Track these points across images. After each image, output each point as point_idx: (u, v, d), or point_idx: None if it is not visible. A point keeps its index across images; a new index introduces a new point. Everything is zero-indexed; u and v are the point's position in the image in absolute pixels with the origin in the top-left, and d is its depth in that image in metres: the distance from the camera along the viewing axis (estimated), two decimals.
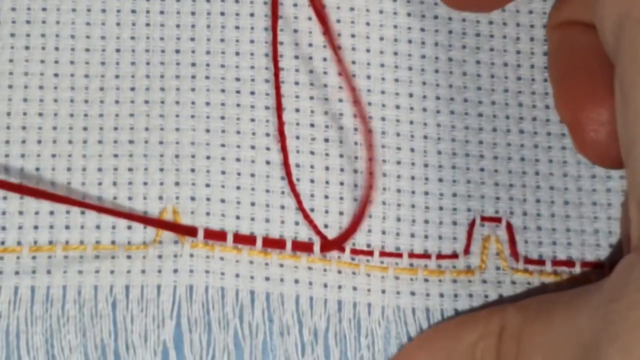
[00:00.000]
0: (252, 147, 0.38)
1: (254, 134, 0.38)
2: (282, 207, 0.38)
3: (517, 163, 0.39)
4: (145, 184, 0.38)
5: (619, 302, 0.27)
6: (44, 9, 0.39)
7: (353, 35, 0.39)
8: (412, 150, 0.39)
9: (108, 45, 0.39)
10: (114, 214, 0.37)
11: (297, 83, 0.39)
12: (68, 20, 0.39)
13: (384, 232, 0.38)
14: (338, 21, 0.39)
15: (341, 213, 0.38)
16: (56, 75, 0.38)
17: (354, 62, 0.39)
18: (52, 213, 0.38)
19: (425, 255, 0.38)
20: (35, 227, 0.37)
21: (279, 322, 0.37)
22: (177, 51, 0.39)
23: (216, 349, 0.37)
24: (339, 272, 0.38)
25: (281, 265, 0.38)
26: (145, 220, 0.37)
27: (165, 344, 0.37)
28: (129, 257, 0.37)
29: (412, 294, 0.38)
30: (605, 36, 0.31)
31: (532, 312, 0.32)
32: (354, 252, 0.38)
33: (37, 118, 0.38)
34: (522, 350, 0.31)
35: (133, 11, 0.39)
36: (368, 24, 0.39)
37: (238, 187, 0.38)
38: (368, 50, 0.39)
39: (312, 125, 0.39)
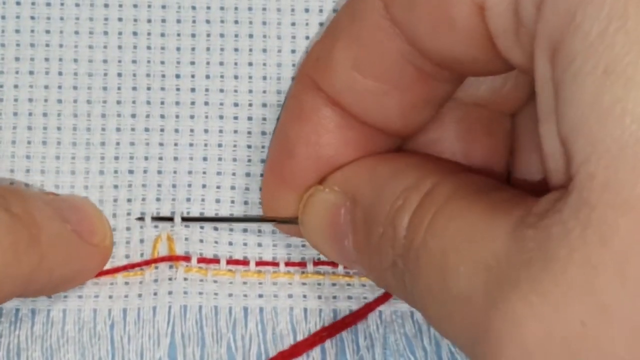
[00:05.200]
0: (247, 175, 0.39)
1: (249, 160, 0.39)
2: (274, 232, 0.39)
3: None
4: (142, 213, 0.39)
5: (544, 240, 0.26)
6: (47, 32, 0.39)
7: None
8: None
9: (110, 69, 0.39)
10: (116, 271, 0.38)
11: None
12: (71, 43, 0.39)
13: None
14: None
15: None
16: (59, 101, 0.39)
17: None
18: None
19: None
20: None
21: (272, 333, 0.38)
22: (177, 76, 0.39)
23: None
24: (333, 284, 0.39)
25: (274, 284, 0.39)
26: (143, 263, 0.39)
27: None
28: (126, 283, 0.38)
29: None
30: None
31: (457, 194, 0.30)
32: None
33: (40, 147, 0.39)
34: (434, 223, 0.30)
35: (134, 33, 0.39)
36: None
37: (231, 214, 0.39)
38: None
39: None
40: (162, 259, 0.38)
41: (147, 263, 0.38)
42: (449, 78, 0.33)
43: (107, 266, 0.38)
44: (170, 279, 0.38)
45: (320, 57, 0.34)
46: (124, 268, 0.38)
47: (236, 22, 0.39)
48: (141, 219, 0.39)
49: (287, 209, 0.36)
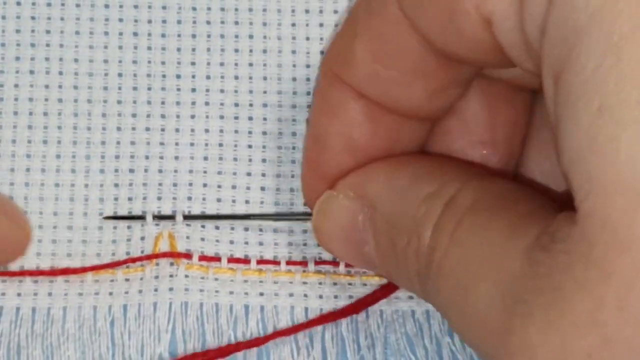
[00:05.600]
0: (248, 174, 0.39)
1: (250, 160, 0.39)
2: (275, 231, 0.39)
3: None
4: (143, 212, 0.39)
5: (552, 264, 0.27)
6: (47, 32, 0.39)
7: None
8: None
9: (110, 69, 0.39)
10: (117, 265, 0.38)
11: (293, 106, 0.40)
12: (71, 43, 0.39)
13: None
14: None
15: None
16: (60, 100, 0.39)
17: None
18: (54, 242, 0.39)
19: None
20: (38, 254, 0.38)
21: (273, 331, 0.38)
22: (178, 76, 0.39)
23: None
24: (334, 284, 0.39)
25: (275, 282, 0.39)
26: (144, 257, 0.38)
27: (162, 356, 0.38)
28: (127, 279, 0.38)
29: (410, 297, 0.38)
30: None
31: (479, 204, 0.31)
32: (349, 265, 0.39)
33: (41, 146, 0.39)
34: (456, 235, 0.31)
35: (135, 34, 0.39)
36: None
37: (233, 213, 0.39)
38: None
39: None
40: (164, 255, 0.38)
41: (149, 258, 0.38)
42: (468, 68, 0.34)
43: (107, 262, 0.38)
44: (171, 276, 0.38)
45: (341, 53, 0.34)
46: (125, 262, 0.38)
47: (236, 23, 0.39)
48: (113, 217, 0.39)
49: None
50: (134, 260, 0.38)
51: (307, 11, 0.39)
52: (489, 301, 0.29)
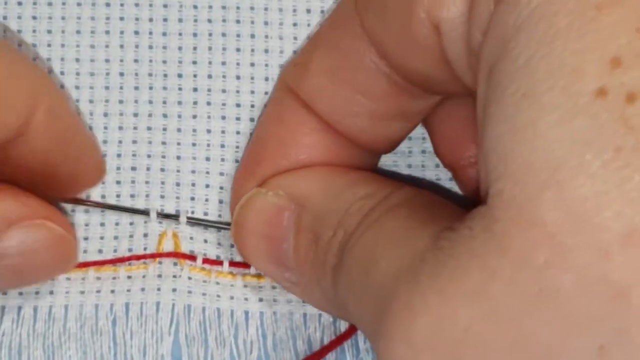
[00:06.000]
0: None
1: None
2: None
3: None
4: (146, 208, 0.39)
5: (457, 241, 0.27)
6: (49, 31, 0.39)
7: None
8: None
9: (112, 69, 0.39)
10: (120, 261, 0.38)
11: None
12: (73, 43, 0.39)
13: None
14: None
15: None
16: None
17: None
18: None
19: None
20: None
21: (272, 338, 0.38)
22: (180, 75, 0.39)
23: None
24: None
25: (274, 288, 0.39)
26: (148, 255, 0.38)
27: (164, 357, 0.38)
28: (129, 277, 0.38)
29: None
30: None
31: (408, 202, 0.32)
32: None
33: None
34: (376, 221, 0.31)
35: (136, 33, 0.39)
36: None
37: None
38: None
39: None
40: (168, 255, 0.38)
41: (153, 257, 0.38)
42: (421, 95, 0.34)
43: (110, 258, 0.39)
44: (174, 276, 0.38)
45: (298, 64, 0.35)
46: (129, 259, 0.38)
47: (238, 21, 0.39)
48: (115, 207, 0.39)
49: None
50: (138, 257, 0.38)
51: (308, 11, 0.39)
52: (385, 272, 0.29)
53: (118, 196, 0.39)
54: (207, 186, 0.39)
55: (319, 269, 0.33)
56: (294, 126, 0.35)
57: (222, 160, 0.39)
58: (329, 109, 0.34)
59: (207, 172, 0.39)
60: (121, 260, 0.38)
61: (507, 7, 0.27)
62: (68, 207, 0.38)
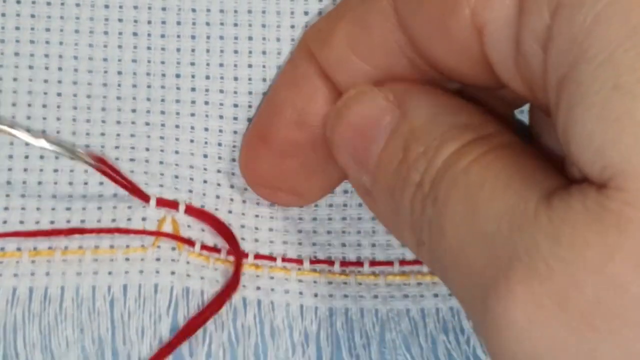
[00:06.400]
0: None
1: None
2: (271, 230, 0.39)
3: None
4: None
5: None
6: (47, 30, 0.39)
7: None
8: None
9: (110, 67, 0.39)
10: (116, 232, 0.38)
11: None
12: (71, 41, 0.39)
13: (343, 245, 0.39)
14: None
15: None
16: (59, 94, 0.39)
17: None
18: (52, 223, 0.38)
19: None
20: (36, 238, 0.38)
21: (269, 326, 0.38)
22: (178, 75, 0.40)
23: (212, 346, 0.38)
24: (330, 282, 0.39)
25: (272, 278, 0.39)
26: (148, 232, 0.38)
27: (162, 339, 0.37)
28: (127, 259, 0.38)
29: (405, 296, 0.38)
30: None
31: (511, 145, 0.31)
32: (343, 264, 0.39)
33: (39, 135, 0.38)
34: (483, 157, 0.30)
35: (134, 34, 0.40)
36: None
37: (230, 212, 0.39)
38: None
39: None
40: (167, 235, 0.38)
41: (153, 234, 0.38)
42: (443, 80, 0.34)
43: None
44: (173, 260, 0.38)
45: (322, 30, 0.35)
46: (127, 231, 0.38)
47: (235, 24, 0.40)
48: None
49: (262, 167, 0.37)
50: (137, 232, 0.38)
51: (306, 13, 0.40)
52: (498, 223, 0.28)
53: (115, 216, 0.39)
54: (205, 182, 0.39)
55: (398, 181, 0.32)
56: (309, 94, 0.35)
57: (219, 158, 0.39)
58: (346, 80, 0.34)
59: (205, 169, 0.39)
60: (119, 230, 0.38)
61: (571, 9, 0.26)
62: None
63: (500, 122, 0.32)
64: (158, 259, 0.38)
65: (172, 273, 0.38)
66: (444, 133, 0.31)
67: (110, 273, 0.38)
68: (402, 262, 0.39)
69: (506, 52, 0.29)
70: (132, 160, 0.39)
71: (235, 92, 0.39)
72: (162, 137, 0.39)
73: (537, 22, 0.28)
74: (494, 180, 0.29)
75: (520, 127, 0.35)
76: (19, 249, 0.38)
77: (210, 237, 0.39)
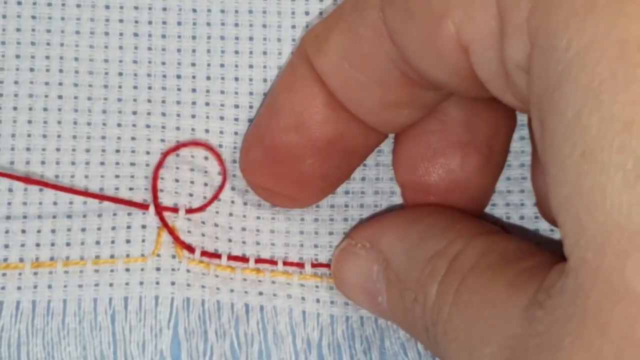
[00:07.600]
0: None
1: None
2: (272, 231, 0.39)
3: None
4: (144, 200, 0.39)
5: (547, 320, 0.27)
6: (48, 31, 0.39)
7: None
8: None
9: (111, 69, 0.39)
10: (115, 201, 0.38)
11: None
12: (72, 42, 0.39)
13: None
14: None
15: None
16: (60, 97, 0.39)
17: None
18: (53, 231, 0.38)
19: None
20: (37, 245, 0.38)
21: (272, 333, 0.38)
22: (178, 76, 0.39)
23: (214, 356, 0.38)
24: (331, 288, 0.39)
25: (273, 282, 0.39)
26: (139, 204, 0.39)
27: (163, 353, 0.38)
28: (127, 270, 0.38)
29: None
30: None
31: (483, 262, 0.31)
32: None
33: (40, 140, 0.39)
34: (459, 295, 0.31)
35: (135, 35, 0.40)
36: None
37: (230, 214, 0.39)
38: None
39: None
40: (170, 234, 0.38)
41: (151, 206, 0.39)
42: (433, 89, 0.34)
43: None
44: (173, 269, 0.38)
45: (319, 36, 0.35)
46: (128, 203, 0.38)
47: (236, 25, 0.40)
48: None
49: (261, 170, 0.37)
50: (140, 206, 0.38)
51: (307, 13, 0.40)
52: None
53: (117, 189, 0.39)
54: (206, 184, 0.39)
55: (411, 326, 0.34)
56: (305, 99, 0.35)
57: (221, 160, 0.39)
58: (341, 88, 0.34)
59: (206, 172, 0.39)
60: (119, 201, 0.38)
61: (544, 51, 0.26)
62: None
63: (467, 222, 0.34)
64: (158, 269, 0.38)
65: (172, 284, 0.38)
66: (421, 273, 0.33)
67: (111, 285, 0.38)
68: None
69: (494, 70, 0.29)
70: (132, 164, 0.39)
71: (236, 93, 0.39)
72: (162, 140, 0.39)
73: (518, 49, 0.28)
74: (478, 324, 0.30)
75: None
76: (21, 260, 0.38)
77: (211, 243, 0.39)
